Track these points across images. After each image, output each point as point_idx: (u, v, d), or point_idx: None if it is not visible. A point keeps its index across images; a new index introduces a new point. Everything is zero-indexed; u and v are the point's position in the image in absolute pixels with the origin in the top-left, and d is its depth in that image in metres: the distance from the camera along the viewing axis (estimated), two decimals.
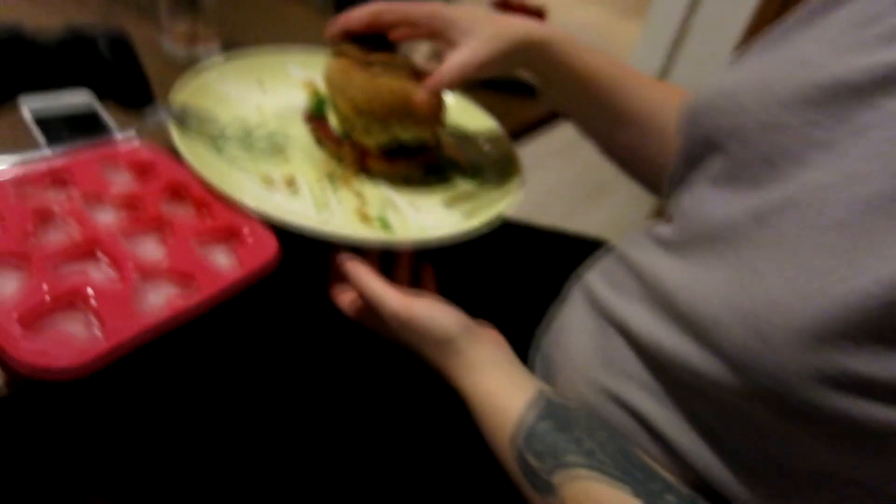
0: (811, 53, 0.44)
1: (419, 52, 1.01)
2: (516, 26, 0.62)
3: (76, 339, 0.43)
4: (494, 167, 0.74)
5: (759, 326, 0.37)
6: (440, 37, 0.63)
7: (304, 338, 0.66)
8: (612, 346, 0.52)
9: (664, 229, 0.53)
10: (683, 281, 0.45)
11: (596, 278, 0.59)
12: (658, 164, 0.67)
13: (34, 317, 0.43)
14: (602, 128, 0.69)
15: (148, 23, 0.81)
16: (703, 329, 0.41)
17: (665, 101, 0.66)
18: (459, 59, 0.61)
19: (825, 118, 0.40)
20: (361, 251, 0.58)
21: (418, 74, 0.66)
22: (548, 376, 0.59)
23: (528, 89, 0.97)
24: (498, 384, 0.51)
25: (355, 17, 0.64)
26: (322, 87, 0.71)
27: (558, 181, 2.36)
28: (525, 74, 0.67)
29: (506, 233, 0.84)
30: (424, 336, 0.53)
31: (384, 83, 0.64)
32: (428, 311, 0.52)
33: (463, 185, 0.71)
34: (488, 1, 1.24)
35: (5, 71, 0.61)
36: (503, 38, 0.61)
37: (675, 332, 0.45)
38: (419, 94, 0.63)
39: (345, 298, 0.60)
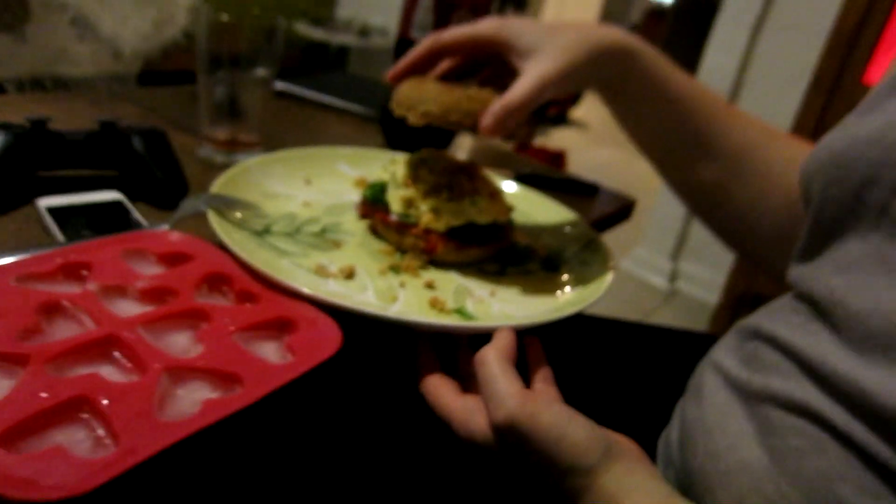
0: None
1: (462, 149, 0.95)
2: (595, 32, 0.53)
3: (78, 460, 0.31)
4: (577, 250, 0.63)
5: None
6: (506, 57, 0.53)
7: (366, 432, 0.52)
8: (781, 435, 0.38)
9: (803, 310, 0.41)
10: (874, 384, 0.34)
11: (731, 364, 0.45)
12: (751, 212, 0.56)
13: (25, 433, 0.32)
14: (684, 158, 0.59)
15: (183, 133, 0.75)
16: None
17: (770, 142, 0.56)
18: (535, 72, 0.50)
19: None
20: (449, 341, 0.47)
21: None
22: (695, 489, 0.44)
23: (590, 189, 0.90)
24: None
25: (415, 52, 0.56)
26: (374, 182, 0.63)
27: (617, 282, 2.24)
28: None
29: (593, 328, 0.71)
30: (545, 455, 0.37)
31: (462, 92, 0.54)
32: (557, 427, 0.37)
33: (546, 273, 0.61)
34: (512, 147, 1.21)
35: (26, 166, 0.54)
36: (583, 46, 0.51)
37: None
38: (485, 119, 0.51)
39: (445, 391, 0.44)
